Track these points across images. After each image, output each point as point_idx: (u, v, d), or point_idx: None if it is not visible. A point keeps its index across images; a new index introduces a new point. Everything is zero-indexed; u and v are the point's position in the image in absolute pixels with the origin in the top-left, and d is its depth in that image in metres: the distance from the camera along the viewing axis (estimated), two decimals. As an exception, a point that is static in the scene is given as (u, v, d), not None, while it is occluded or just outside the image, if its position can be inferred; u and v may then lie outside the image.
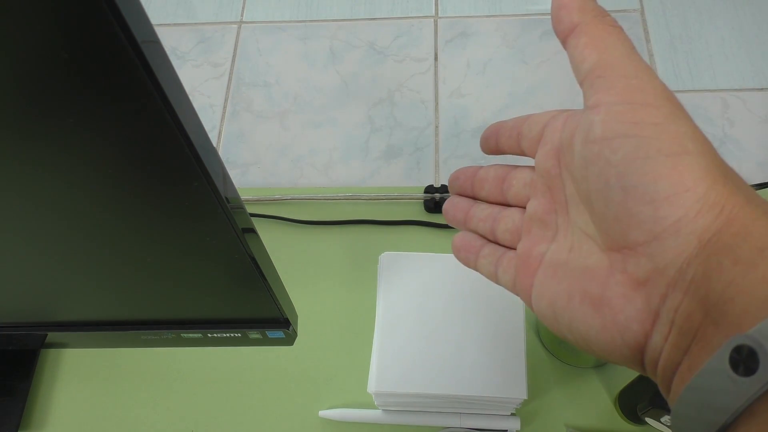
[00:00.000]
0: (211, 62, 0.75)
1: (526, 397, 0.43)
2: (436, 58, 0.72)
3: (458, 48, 0.72)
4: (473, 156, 0.65)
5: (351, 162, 0.66)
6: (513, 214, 0.28)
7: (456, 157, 0.65)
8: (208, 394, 0.54)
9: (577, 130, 0.23)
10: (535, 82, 0.69)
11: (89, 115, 0.23)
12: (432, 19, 0.75)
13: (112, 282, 0.36)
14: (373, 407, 0.51)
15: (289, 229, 0.61)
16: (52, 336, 0.46)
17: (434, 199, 0.60)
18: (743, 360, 0.16)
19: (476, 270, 0.29)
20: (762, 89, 0.67)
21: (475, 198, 0.30)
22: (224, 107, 0.71)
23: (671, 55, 0.70)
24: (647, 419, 0.43)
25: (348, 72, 0.72)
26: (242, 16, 0.78)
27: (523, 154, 0.28)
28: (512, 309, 0.46)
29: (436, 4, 0.76)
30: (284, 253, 0.59)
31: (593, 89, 0.22)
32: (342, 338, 0.55)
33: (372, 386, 0.44)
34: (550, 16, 0.73)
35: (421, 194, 0.61)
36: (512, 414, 0.49)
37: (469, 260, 0.29)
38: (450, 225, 0.31)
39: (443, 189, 0.61)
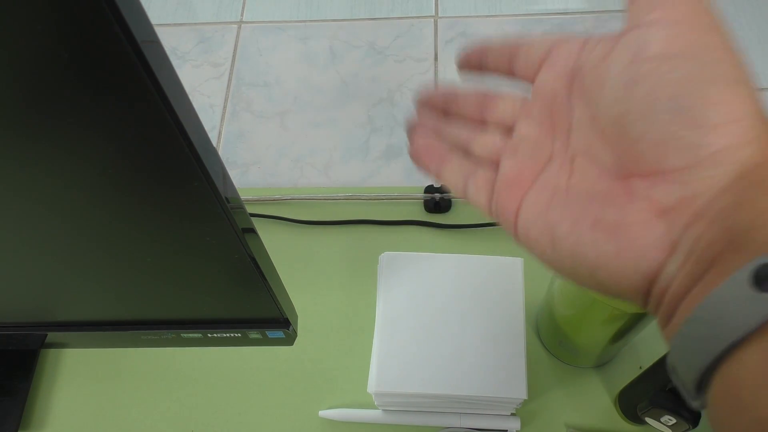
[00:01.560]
0: (211, 62, 0.75)
1: (526, 397, 0.43)
2: (436, 58, 0.72)
3: (458, 48, 0.72)
4: (473, 156, 0.65)
5: (351, 162, 0.66)
6: (494, 133, 0.26)
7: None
8: (208, 394, 0.54)
9: (619, 49, 0.22)
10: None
11: (89, 115, 0.23)
12: (432, 19, 0.75)
13: (112, 282, 0.36)
14: (373, 407, 0.51)
15: (289, 229, 0.61)
16: (52, 336, 0.46)
17: (434, 199, 0.60)
18: (766, 278, 0.16)
19: (438, 178, 0.27)
20: (762, 89, 0.67)
21: (447, 115, 0.28)
22: (224, 107, 0.71)
23: (671, 55, 0.70)
24: (647, 419, 0.43)
25: (348, 72, 0.72)
26: (242, 16, 0.78)
27: (512, 75, 0.26)
28: (512, 309, 0.46)
29: (436, 4, 0.76)
30: (284, 253, 0.59)
31: (652, 5, 0.21)
32: (342, 338, 0.55)
33: (372, 386, 0.44)
34: (550, 17, 0.73)
35: (421, 194, 0.61)
36: (512, 414, 0.49)
37: (430, 165, 0.27)
38: (411, 140, 0.27)
39: (443, 189, 0.61)
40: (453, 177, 0.26)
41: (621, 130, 0.22)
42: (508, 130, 0.26)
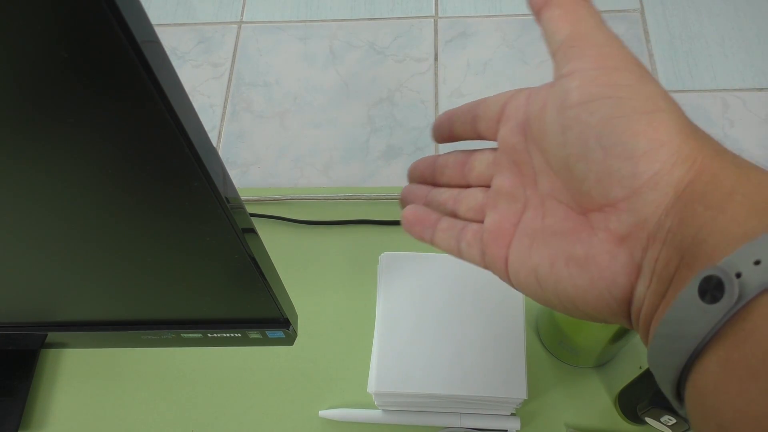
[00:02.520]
0: (211, 62, 0.75)
1: (526, 397, 0.43)
2: (436, 58, 0.72)
3: (458, 48, 0.72)
4: (473, 156, 0.65)
5: (351, 162, 0.66)
6: (475, 192, 0.28)
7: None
8: (208, 394, 0.54)
9: (550, 100, 0.24)
10: (535, 82, 0.69)
11: (89, 116, 0.23)
12: (432, 19, 0.75)
13: (113, 282, 0.36)
14: (373, 407, 0.51)
15: (289, 229, 0.61)
16: (52, 336, 0.46)
17: (434, 199, 0.60)
18: (710, 289, 0.17)
19: (433, 245, 0.29)
20: (762, 89, 0.67)
21: (436, 185, 0.30)
22: (224, 107, 0.71)
23: (671, 55, 0.70)
24: (647, 419, 0.43)
25: (348, 72, 0.72)
26: (242, 16, 0.78)
27: (479, 137, 0.28)
28: (512, 309, 0.46)
29: (436, 4, 0.76)
30: (284, 253, 0.59)
31: (567, 58, 0.23)
32: (342, 338, 0.55)
33: (372, 386, 0.44)
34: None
35: (421, 194, 0.61)
36: (512, 414, 0.49)
37: (424, 234, 0.29)
38: (406, 225, 0.30)
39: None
40: (445, 241, 0.28)
41: (568, 171, 0.24)
42: (489, 185, 0.28)
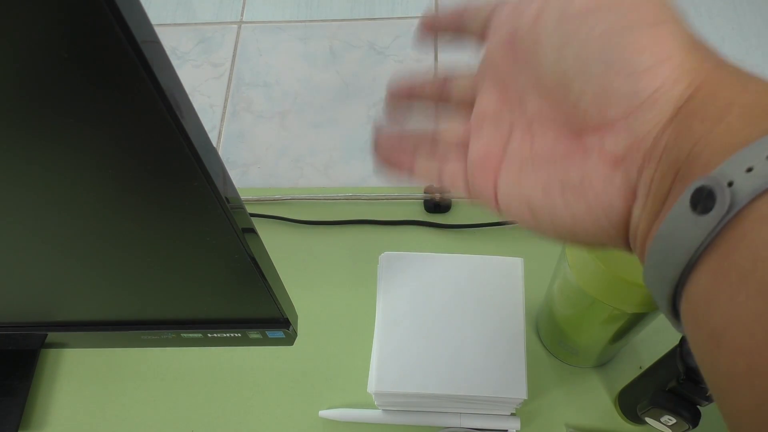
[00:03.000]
0: (211, 62, 0.75)
1: (526, 397, 0.43)
2: (436, 58, 0.72)
3: (458, 48, 0.72)
4: (473, 156, 0.65)
5: (351, 162, 0.66)
6: (455, 126, 0.26)
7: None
8: (208, 394, 0.54)
9: (548, 11, 0.22)
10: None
11: (89, 116, 0.23)
12: (432, 19, 0.75)
13: (112, 282, 0.36)
14: (373, 407, 0.51)
15: (289, 229, 0.61)
16: (52, 336, 0.46)
17: (434, 199, 0.60)
18: (702, 200, 0.17)
19: (411, 177, 0.27)
20: (762, 89, 0.67)
21: (414, 98, 0.28)
22: (224, 107, 0.71)
23: (671, 55, 0.70)
24: (647, 419, 0.43)
25: (348, 72, 0.72)
26: (242, 16, 0.78)
27: (471, 38, 0.26)
28: (512, 309, 0.46)
29: (436, 5, 0.76)
30: (284, 253, 0.59)
31: None
32: (342, 338, 0.55)
33: (372, 386, 0.44)
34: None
35: (421, 194, 0.61)
36: (512, 414, 0.49)
37: (399, 160, 0.27)
38: (381, 156, 0.27)
39: (444, 189, 0.61)
40: (425, 171, 0.26)
41: (563, 89, 0.22)
42: (471, 108, 0.26)
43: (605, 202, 0.21)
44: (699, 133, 0.18)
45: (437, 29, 0.27)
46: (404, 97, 0.29)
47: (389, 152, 0.27)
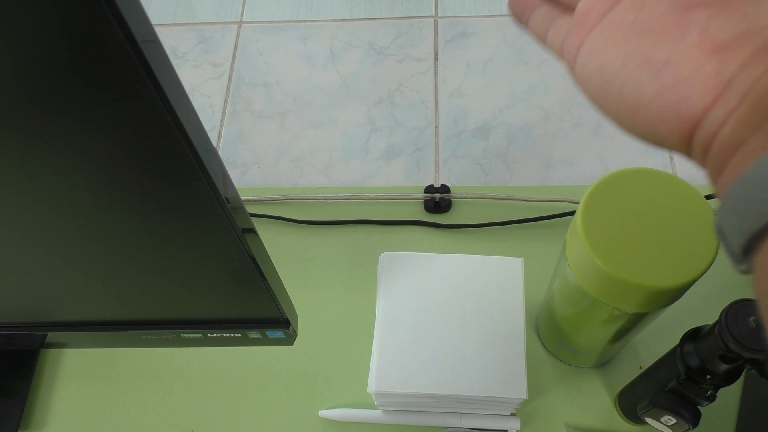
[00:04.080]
0: (211, 62, 0.75)
1: (526, 397, 0.43)
2: (436, 58, 0.72)
3: (458, 48, 0.72)
4: (473, 156, 0.65)
5: (351, 162, 0.66)
6: None
7: (456, 157, 0.65)
8: (208, 394, 0.54)
9: None
10: (535, 82, 0.69)
11: (89, 115, 0.23)
12: (432, 19, 0.75)
13: (112, 282, 0.36)
14: (373, 407, 0.51)
15: (289, 229, 0.61)
16: (52, 336, 0.46)
17: (434, 199, 0.60)
18: None
19: (526, 28, 0.26)
20: (762, 89, 0.67)
21: None
22: (224, 107, 0.71)
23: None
24: (647, 419, 0.43)
25: (348, 72, 0.72)
26: (242, 16, 0.78)
27: None
28: (512, 309, 0.46)
29: (436, 4, 0.76)
30: (284, 253, 0.59)
31: None
32: (342, 338, 0.55)
33: (372, 386, 0.44)
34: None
35: (421, 194, 0.61)
36: (512, 414, 0.49)
37: (522, 16, 0.26)
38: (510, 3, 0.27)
39: (443, 189, 0.61)
40: (537, 27, 0.26)
41: None
42: None
43: (683, 89, 0.19)
44: None
45: None
46: None
47: (516, 6, 0.27)
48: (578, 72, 0.23)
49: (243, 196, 0.62)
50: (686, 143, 0.20)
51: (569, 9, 0.24)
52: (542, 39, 0.25)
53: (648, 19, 0.20)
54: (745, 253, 0.17)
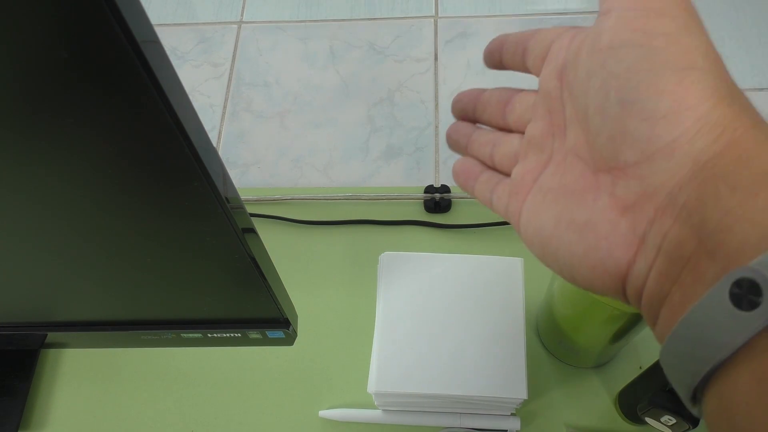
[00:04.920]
0: (211, 62, 0.75)
1: (526, 397, 0.43)
2: (436, 58, 0.72)
3: (458, 48, 0.72)
4: (473, 156, 0.65)
5: (351, 162, 0.66)
6: (513, 139, 0.27)
7: (456, 157, 0.65)
8: (208, 394, 0.54)
9: (585, 42, 0.22)
10: (534, 83, 0.69)
11: (89, 115, 0.23)
12: (432, 19, 0.75)
13: (112, 282, 0.36)
14: (373, 407, 0.51)
15: (289, 229, 0.61)
16: (52, 336, 0.46)
17: (434, 199, 0.60)
18: (744, 294, 0.15)
19: (473, 195, 0.28)
20: (762, 89, 0.67)
21: (476, 122, 0.29)
22: (224, 107, 0.71)
23: (671, 55, 0.70)
24: (647, 419, 0.43)
25: (348, 72, 0.72)
26: (242, 16, 0.78)
27: (527, 71, 0.26)
28: (512, 309, 0.46)
29: (436, 4, 0.76)
30: (284, 253, 0.59)
31: None
32: (342, 338, 0.55)
33: (372, 386, 0.44)
34: (549, 16, 0.73)
35: (421, 194, 0.61)
36: (512, 414, 0.49)
37: (467, 185, 0.28)
38: (451, 149, 0.30)
39: (443, 189, 0.61)
40: (482, 194, 0.28)
41: (585, 124, 0.22)
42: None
43: (605, 248, 0.20)
44: (729, 203, 0.17)
45: (503, 56, 0.27)
46: (467, 117, 0.30)
47: (460, 175, 0.29)
48: (523, 235, 0.25)
49: (243, 196, 0.62)
50: (621, 294, 0.21)
51: (507, 174, 0.27)
52: (488, 204, 0.27)
53: (570, 183, 0.23)
54: (693, 402, 0.18)
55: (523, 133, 0.26)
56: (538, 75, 0.25)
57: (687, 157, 0.18)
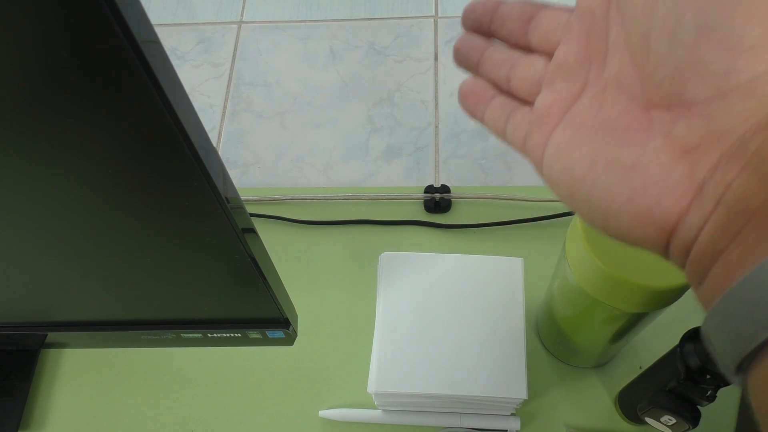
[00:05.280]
0: (211, 62, 0.75)
1: (526, 397, 0.43)
2: (436, 58, 0.72)
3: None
4: (474, 156, 0.65)
5: (351, 162, 0.66)
6: (536, 61, 0.23)
7: (456, 157, 0.65)
8: (208, 394, 0.54)
9: None
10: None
11: (89, 115, 0.23)
12: (432, 19, 0.75)
13: (112, 282, 0.36)
14: (373, 407, 0.51)
15: (289, 229, 0.61)
16: (52, 336, 0.46)
17: (434, 199, 0.60)
18: None
19: (482, 122, 0.25)
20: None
21: (492, 37, 0.25)
22: (224, 107, 0.71)
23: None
24: (647, 419, 0.43)
25: (348, 72, 0.72)
26: (242, 16, 0.78)
27: (527, 40, 0.23)
28: (512, 309, 0.46)
29: (436, 4, 0.76)
30: (284, 253, 0.59)
31: None
32: (342, 338, 0.55)
33: (372, 386, 0.44)
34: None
35: (421, 194, 0.61)
36: (512, 414, 0.49)
37: (476, 110, 0.25)
38: (459, 66, 0.26)
39: (443, 189, 0.61)
40: (494, 121, 0.25)
41: (645, 50, 0.19)
42: (552, 52, 0.23)
43: (653, 195, 0.18)
44: None
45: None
46: (482, 30, 0.26)
47: (468, 98, 0.26)
48: (546, 173, 0.22)
49: (243, 196, 0.62)
50: (663, 248, 0.19)
51: (526, 102, 0.24)
52: (501, 133, 0.24)
53: (610, 118, 0.20)
54: (737, 370, 0.16)
55: (547, 55, 0.23)
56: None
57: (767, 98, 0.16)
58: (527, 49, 0.24)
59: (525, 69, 0.23)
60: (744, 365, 0.16)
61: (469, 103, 0.26)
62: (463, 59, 0.26)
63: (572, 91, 0.22)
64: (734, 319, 0.16)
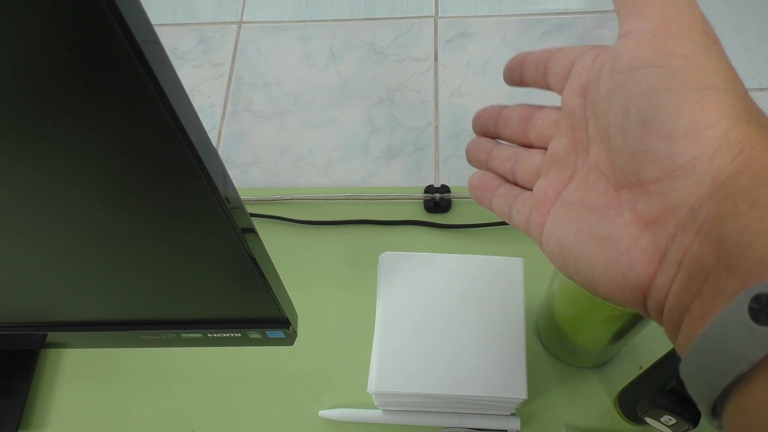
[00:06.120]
0: (211, 62, 0.75)
1: (526, 397, 0.43)
2: (436, 58, 0.72)
3: (458, 48, 0.72)
4: (473, 156, 0.65)
5: (351, 162, 0.66)
6: (535, 155, 0.27)
7: (456, 157, 0.65)
8: (208, 394, 0.54)
9: (606, 62, 0.22)
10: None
11: (89, 115, 0.23)
12: (432, 19, 0.75)
13: (112, 282, 0.36)
14: (373, 407, 0.51)
15: (289, 229, 0.61)
16: (52, 336, 0.46)
17: (434, 199, 0.60)
18: (763, 309, 0.16)
19: (490, 209, 0.29)
20: (762, 89, 0.67)
21: (497, 138, 0.30)
22: (224, 107, 0.71)
23: (671, 55, 0.70)
24: (647, 419, 0.43)
25: (348, 72, 0.72)
26: (242, 16, 0.78)
27: (548, 89, 0.27)
28: (512, 309, 0.46)
29: (436, 4, 0.76)
30: (284, 253, 0.59)
31: (627, 16, 0.21)
32: (342, 338, 0.55)
33: (372, 386, 0.44)
34: (549, 17, 0.73)
35: (421, 194, 0.61)
36: (512, 414, 0.49)
37: (484, 199, 0.29)
38: (471, 164, 0.31)
39: (443, 189, 0.61)
40: (500, 207, 0.28)
41: (608, 143, 0.22)
42: (547, 146, 0.27)
43: (626, 261, 0.21)
44: (748, 219, 0.17)
45: (524, 74, 0.28)
46: (489, 133, 0.30)
47: (476, 189, 0.29)
48: (545, 247, 0.25)
49: (243, 196, 0.62)
50: (643, 307, 0.22)
51: (527, 189, 0.27)
52: (507, 217, 0.28)
53: (591, 198, 0.23)
54: (713, 414, 0.18)
55: (544, 148, 0.27)
56: (559, 92, 0.26)
57: (707, 174, 0.19)
58: (528, 145, 0.28)
59: (527, 162, 0.27)
60: (717, 409, 0.18)
61: (477, 193, 0.29)
62: (473, 159, 0.30)
63: (564, 177, 0.25)
64: (701, 369, 0.18)
